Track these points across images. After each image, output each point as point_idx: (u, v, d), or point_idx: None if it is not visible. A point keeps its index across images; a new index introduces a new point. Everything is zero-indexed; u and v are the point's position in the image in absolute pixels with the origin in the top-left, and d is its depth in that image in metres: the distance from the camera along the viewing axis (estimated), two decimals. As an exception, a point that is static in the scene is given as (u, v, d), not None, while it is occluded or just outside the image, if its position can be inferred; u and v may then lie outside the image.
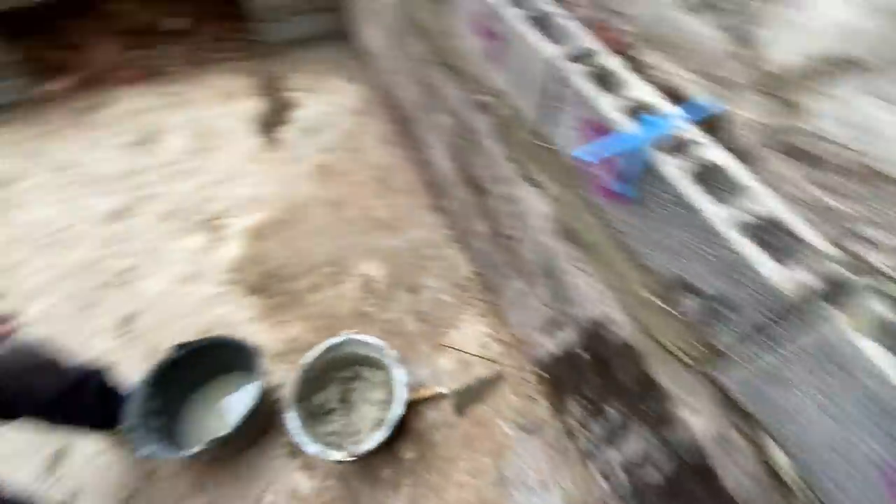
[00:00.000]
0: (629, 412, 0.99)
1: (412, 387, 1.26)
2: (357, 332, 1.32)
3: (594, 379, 1.10)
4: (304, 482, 1.25)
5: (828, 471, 0.61)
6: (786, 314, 0.60)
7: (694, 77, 0.80)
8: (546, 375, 1.38)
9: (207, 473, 1.27)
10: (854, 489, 0.58)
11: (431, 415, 1.37)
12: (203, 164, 2.08)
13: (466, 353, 1.51)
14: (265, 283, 1.67)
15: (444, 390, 1.40)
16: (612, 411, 1.06)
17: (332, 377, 1.33)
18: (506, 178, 1.21)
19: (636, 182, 0.76)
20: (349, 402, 1.33)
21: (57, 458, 1.28)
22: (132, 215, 1.88)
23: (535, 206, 1.10)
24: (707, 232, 0.65)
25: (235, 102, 2.36)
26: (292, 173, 2.04)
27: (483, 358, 1.49)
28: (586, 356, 1.11)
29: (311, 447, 1.09)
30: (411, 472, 1.27)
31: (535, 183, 1.09)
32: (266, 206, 1.91)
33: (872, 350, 0.52)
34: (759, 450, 0.70)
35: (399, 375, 1.22)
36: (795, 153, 0.67)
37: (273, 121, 2.26)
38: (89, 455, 1.29)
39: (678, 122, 0.74)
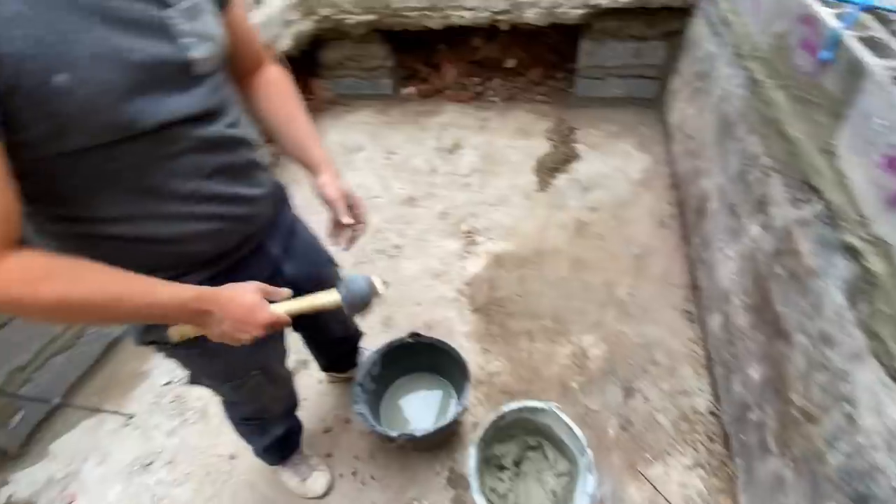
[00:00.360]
0: None
1: (593, 500, 1.10)
2: (560, 408, 1.23)
3: None
4: (449, 515, 1.25)
5: None
6: None
7: None
8: None
9: (378, 455, 1.39)
10: None
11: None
12: (482, 183, 2.33)
13: (664, 497, 1.25)
14: (489, 308, 1.75)
15: (623, 524, 1.18)
16: None
17: (518, 436, 1.28)
18: (837, 341, 0.93)
19: None
20: (522, 470, 1.26)
21: (297, 367, 1.61)
22: (418, 205, 2.24)
23: (882, 404, 0.80)
24: None
25: (527, 140, 2.57)
26: (550, 219, 2.09)
27: (685, 519, 1.20)
28: None
29: (478, 496, 1.07)
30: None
31: (886, 364, 0.80)
32: (516, 239, 2.01)
33: None
34: None
35: (588, 484, 1.08)
36: None
37: (553, 166, 2.36)
38: (316, 378, 1.58)
39: None
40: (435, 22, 2.59)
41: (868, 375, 0.85)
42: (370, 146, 2.65)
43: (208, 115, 0.66)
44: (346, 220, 0.83)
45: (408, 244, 2.04)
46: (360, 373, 1.29)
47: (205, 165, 0.68)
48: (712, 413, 1.39)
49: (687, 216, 1.94)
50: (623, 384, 1.49)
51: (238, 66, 0.80)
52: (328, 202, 0.83)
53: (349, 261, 1.99)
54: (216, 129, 0.68)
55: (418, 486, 1.31)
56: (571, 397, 1.47)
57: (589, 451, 1.14)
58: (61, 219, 0.62)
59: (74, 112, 0.51)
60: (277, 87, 0.86)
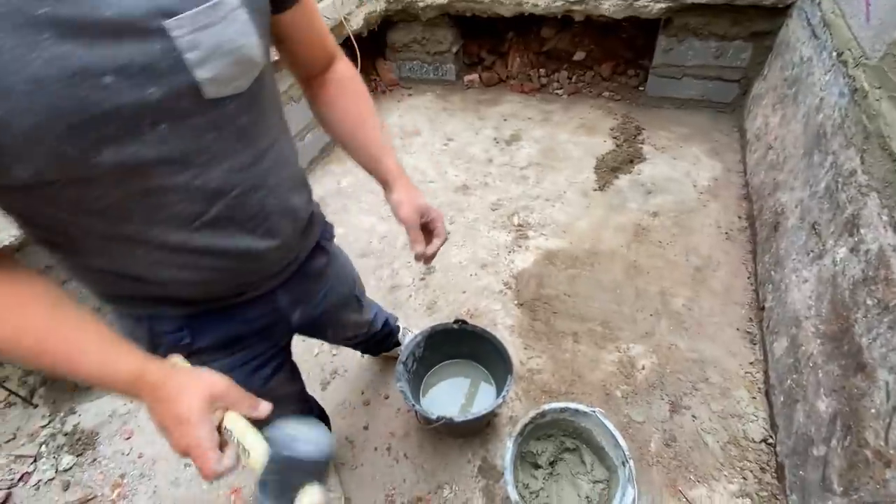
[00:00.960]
0: None
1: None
2: (604, 413, 1.20)
3: None
4: (480, 502, 1.25)
5: None
6: None
7: None
8: None
9: (413, 435, 1.41)
10: None
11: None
12: (538, 177, 2.28)
13: (705, 522, 1.19)
14: (535, 305, 1.72)
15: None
16: None
17: (556, 436, 1.26)
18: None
19: None
20: (556, 471, 1.24)
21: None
22: (471, 194, 2.23)
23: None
24: None
25: (590, 136, 2.48)
26: (608, 220, 2.02)
27: (726, 547, 1.14)
28: None
29: (511, 489, 1.06)
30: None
31: None
32: (570, 237, 1.96)
33: None
34: None
35: (627, 496, 1.05)
36: None
37: (615, 165, 2.27)
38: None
39: None
40: (507, 9, 2.54)
41: (969, 425, 0.76)
42: (428, 131, 2.66)
43: (203, 156, 0.51)
44: (419, 248, 0.76)
45: (457, 232, 2.04)
46: (404, 352, 1.31)
47: (197, 215, 0.54)
48: (766, 442, 1.31)
49: (758, 231, 1.81)
50: (671, 399, 1.43)
51: (304, 68, 0.72)
52: (402, 223, 0.76)
53: (388, 242, 2.01)
54: (216, 174, 0.53)
55: (449, 472, 1.32)
56: (614, 405, 1.43)
57: (631, 462, 1.10)
58: (43, 241, 0.54)
59: (10, 143, 0.40)
60: (346, 89, 0.76)
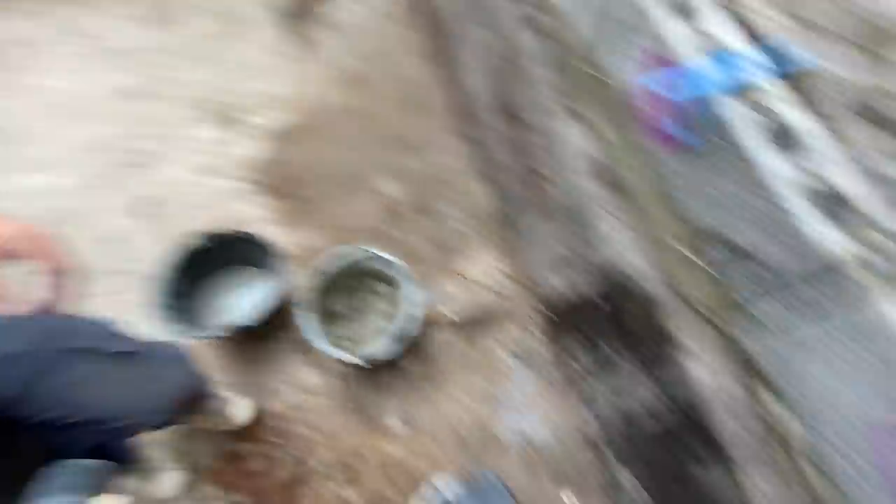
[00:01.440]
0: (634, 358, 1.03)
1: (420, 306, 1.30)
2: (372, 249, 1.33)
3: (604, 323, 1.13)
4: (310, 377, 1.33)
5: (828, 429, 0.64)
6: (826, 279, 0.60)
7: (782, 19, 0.73)
8: (554, 316, 1.42)
9: (224, 357, 1.34)
10: (849, 446, 0.62)
11: (436, 336, 1.43)
12: (222, 51, 1.96)
13: (477, 282, 1.54)
14: (282, 186, 1.65)
15: (450, 314, 1.44)
16: (616, 355, 1.10)
17: (346, 285, 1.36)
18: (547, 109, 1.16)
19: (698, 128, 0.72)
20: (359, 311, 1.38)
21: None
22: (148, 96, 1.80)
23: (576, 143, 1.06)
24: (762, 188, 0.64)
25: (260, -12, 2.17)
26: (315, 75, 1.93)
27: (492, 290, 1.52)
28: (600, 301, 1.13)
29: (322, 343, 1.15)
30: (411, 383, 1.35)
31: (580, 118, 1.04)
32: (287, 106, 1.84)
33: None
34: (762, 406, 0.74)
35: (410, 293, 1.25)
36: (879, 119, 0.63)
37: (299, 13, 2.10)
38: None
39: (757, 66, 0.69)
40: None
41: (565, 126, 1.09)
42: (48, 34, 1.92)
43: None
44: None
45: (155, 146, 1.69)
46: (160, 294, 1.13)
47: None
48: (496, 206, 1.68)
49: (440, 42, 2.01)
50: (424, 212, 1.66)
51: None
52: None
53: (85, 182, 1.57)
54: None
55: (273, 369, 1.34)
56: (385, 238, 1.58)
57: (404, 267, 1.29)
58: None
59: None
60: None
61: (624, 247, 0.98)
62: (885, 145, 0.63)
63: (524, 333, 1.46)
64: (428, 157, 1.78)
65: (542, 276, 1.42)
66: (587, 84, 0.97)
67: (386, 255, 1.29)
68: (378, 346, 1.18)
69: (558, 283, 1.32)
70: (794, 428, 0.69)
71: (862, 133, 0.65)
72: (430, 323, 1.43)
